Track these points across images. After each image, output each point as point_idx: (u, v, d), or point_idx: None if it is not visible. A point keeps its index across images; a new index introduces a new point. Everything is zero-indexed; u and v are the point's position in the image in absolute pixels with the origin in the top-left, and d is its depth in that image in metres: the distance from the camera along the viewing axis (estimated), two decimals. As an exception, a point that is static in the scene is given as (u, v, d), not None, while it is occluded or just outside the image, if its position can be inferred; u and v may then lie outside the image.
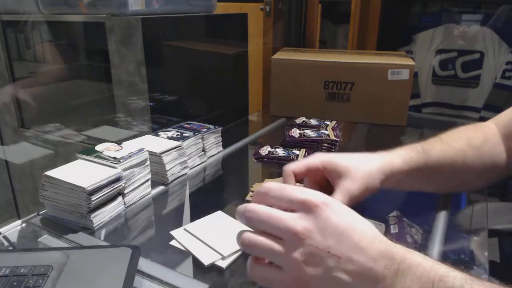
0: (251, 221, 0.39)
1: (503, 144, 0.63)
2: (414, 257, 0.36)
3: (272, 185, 0.41)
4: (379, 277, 0.35)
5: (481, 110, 1.51)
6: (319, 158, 0.54)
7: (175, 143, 0.74)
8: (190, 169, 0.79)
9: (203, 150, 0.83)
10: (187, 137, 0.77)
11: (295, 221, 0.37)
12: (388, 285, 0.35)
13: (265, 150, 0.86)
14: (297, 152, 0.84)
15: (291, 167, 0.53)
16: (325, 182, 0.55)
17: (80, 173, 0.60)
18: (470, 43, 1.49)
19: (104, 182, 0.58)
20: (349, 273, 0.35)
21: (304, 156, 0.82)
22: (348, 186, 0.51)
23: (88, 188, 0.56)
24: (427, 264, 0.36)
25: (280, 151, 0.85)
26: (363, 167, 0.53)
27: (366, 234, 0.37)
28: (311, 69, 1.10)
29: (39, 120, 1.24)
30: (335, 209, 0.38)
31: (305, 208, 0.37)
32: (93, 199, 0.57)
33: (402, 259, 0.36)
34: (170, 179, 0.73)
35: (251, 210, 0.39)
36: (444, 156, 0.59)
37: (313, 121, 1.00)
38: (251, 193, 0.69)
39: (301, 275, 0.36)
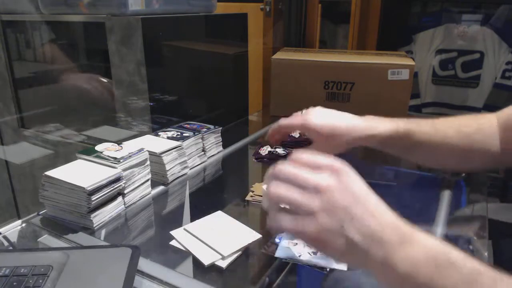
0: (278, 178, 0.42)
1: (499, 134, 0.64)
2: (420, 233, 0.39)
3: (301, 153, 0.44)
4: (386, 244, 0.37)
5: (481, 110, 1.50)
6: (301, 121, 0.66)
7: (175, 143, 0.74)
8: (190, 169, 0.79)
9: (203, 150, 0.83)
10: (187, 137, 0.77)
11: (320, 178, 0.40)
12: (394, 251, 0.37)
13: (265, 150, 0.86)
14: None
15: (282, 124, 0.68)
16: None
17: (80, 173, 0.60)
18: (470, 43, 1.49)
19: (104, 182, 0.58)
20: (359, 233, 0.38)
21: None
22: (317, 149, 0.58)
23: (88, 188, 0.56)
24: (432, 240, 0.38)
25: (280, 151, 0.85)
26: (339, 138, 0.64)
27: (379, 206, 0.40)
28: (311, 69, 1.10)
29: (39, 120, 1.24)
30: (355, 178, 0.41)
31: (330, 170, 0.40)
32: (93, 199, 0.57)
33: (409, 233, 0.38)
34: (170, 179, 0.73)
35: (280, 168, 0.42)
36: (429, 140, 0.64)
37: (313, 121, 1.00)
38: (251, 193, 0.69)
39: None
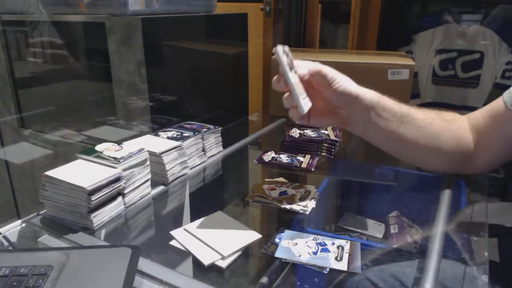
0: None
1: (471, 134, 0.66)
2: None
3: None
4: None
5: (481, 110, 1.50)
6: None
7: (175, 143, 0.74)
8: (190, 169, 0.79)
9: (203, 150, 0.83)
10: (187, 137, 0.77)
11: None
12: None
13: (268, 156, 0.85)
14: (301, 158, 0.84)
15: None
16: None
17: (80, 173, 0.60)
18: (470, 43, 1.49)
19: (104, 182, 0.58)
20: None
21: (309, 162, 0.82)
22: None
23: (88, 188, 0.56)
24: None
25: (284, 157, 0.84)
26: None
27: None
28: (311, 69, 1.10)
29: (39, 120, 1.24)
30: None
31: None
32: (93, 199, 0.57)
33: None
34: (170, 179, 0.73)
35: None
36: (412, 112, 0.64)
37: (313, 121, 1.00)
38: (251, 193, 0.69)
39: None
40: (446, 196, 0.68)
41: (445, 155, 0.66)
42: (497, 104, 0.64)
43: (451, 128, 0.66)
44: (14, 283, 0.41)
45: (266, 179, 0.75)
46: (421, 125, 0.64)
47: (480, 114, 0.67)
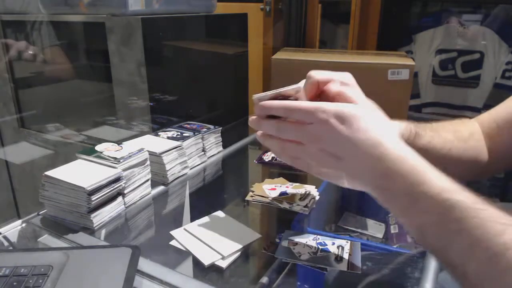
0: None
1: (484, 140, 0.64)
2: (405, 167, 0.42)
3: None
4: (372, 176, 0.44)
5: (481, 110, 1.50)
6: (342, 78, 0.57)
7: (175, 143, 0.74)
8: (190, 169, 0.79)
9: (203, 150, 0.83)
10: (187, 137, 0.77)
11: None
12: (380, 185, 0.44)
13: (268, 156, 0.85)
14: None
15: (317, 76, 0.56)
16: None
17: (80, 173, 0.60)
18: (470, 43, 1.49)
19: (104, 182, 0.58)
20: (346, 169, 0.46)
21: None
22: None
23: (88, 188, 0.56)
24: (417, 170, 0.42)
25: None
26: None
27: (373, 148, 0.44)
28: (311, 69, 1.09)
29: (39, 120, 1.24)
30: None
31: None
32: (93, 199, 0.57)
33: (395, 169, 0.42)
34: (170, 179, 0.73)
35: None
36: (432, 142, 0.61)
37: (313, 121, 1.00)
38: (251, 193, 0.69)
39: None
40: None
41: (463, 173, 0.64)
42: None
43: (469, 146, 0.63)
44: (14, 283, 0.41)
45: (266, 179, 0.75)
46: (441, 154, 0.61)
47: (493, 119, 0.64)
